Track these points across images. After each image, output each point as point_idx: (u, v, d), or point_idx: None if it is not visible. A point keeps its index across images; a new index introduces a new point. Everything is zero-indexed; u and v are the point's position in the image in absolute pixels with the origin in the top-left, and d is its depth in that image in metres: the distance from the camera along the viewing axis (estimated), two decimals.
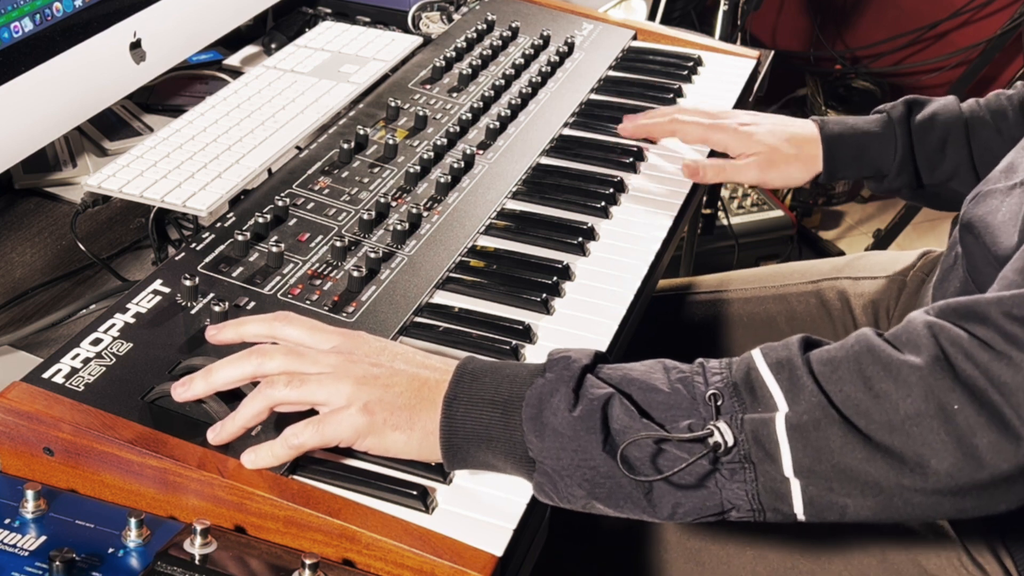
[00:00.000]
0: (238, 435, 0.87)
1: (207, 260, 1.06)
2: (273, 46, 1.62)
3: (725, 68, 1.60)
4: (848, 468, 0.82)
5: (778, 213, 2.79)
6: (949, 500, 0.82)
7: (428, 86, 1.42)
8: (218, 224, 1.11)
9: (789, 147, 1.33)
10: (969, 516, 0.85)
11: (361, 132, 1.27)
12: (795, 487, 0.83)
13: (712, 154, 1.38)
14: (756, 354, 0.87)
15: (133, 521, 0.81)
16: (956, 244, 1.14)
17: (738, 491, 0.84)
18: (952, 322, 0.84)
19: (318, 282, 1.06)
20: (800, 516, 0.85)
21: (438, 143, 1.29)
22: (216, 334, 0.93)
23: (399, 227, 1.13)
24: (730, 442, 0.83)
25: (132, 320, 0.98)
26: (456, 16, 1.63)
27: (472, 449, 0.86)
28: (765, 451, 0.83)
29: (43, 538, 0.81)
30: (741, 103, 1.52)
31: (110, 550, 0.80)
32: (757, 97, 1.62)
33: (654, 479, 0.83)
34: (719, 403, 0.84)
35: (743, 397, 0.85)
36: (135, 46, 1.30)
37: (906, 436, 0.81)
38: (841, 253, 2.96)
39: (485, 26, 1.56)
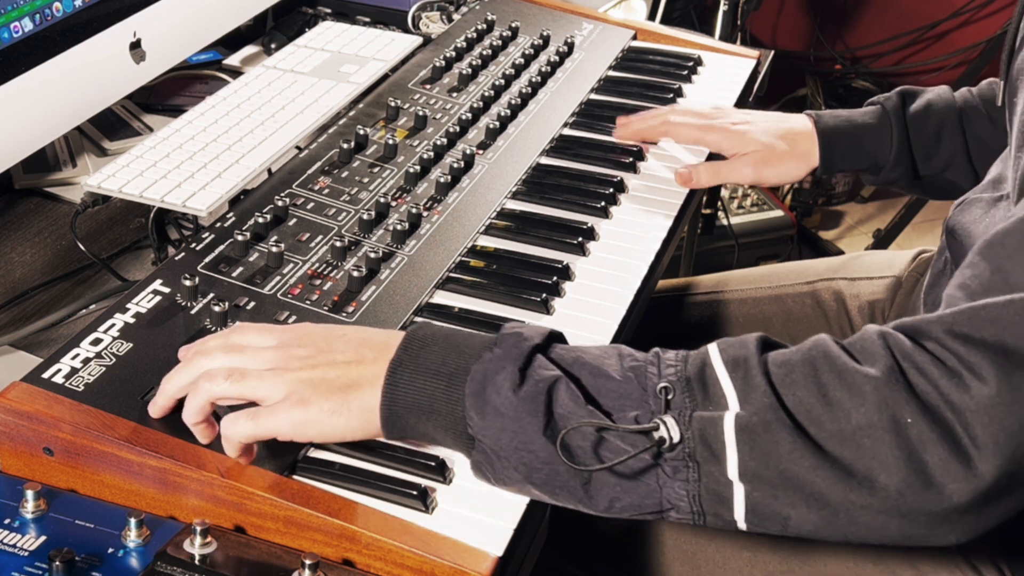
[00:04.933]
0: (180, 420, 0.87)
1: (207, 260, 1.06)
2: (273, 46, 1.62)
3: (725, 68, 1.60)
4: (794, 476, 0.79)
5: (778, 213, 2.79)
6: (896, 522, 0.80)
7: (428, 86, 1.42)
8: (218, 224, 1.11)
9: (783, 144, 1.32)
10: (916, 544, 0.82)
11: (361, 132, 1.27)
12: (738, 491, 0.81)
13: (709, 155, 1.38)
14: (712, 349, 0.85)
15: (133, 521, 0.81)
16: (944, 250, 1.14)
17: (679, 490, 0.81)
18: (906, 335, 0.82)
19: (318, 282, 1.06)
20: (741, 524, 0.82)
21: (438, 143, 1.29)
22: (185, 354, 0.92)
23: (399, 227, 1.13)
24: (675, 438, 0.80)
25: (132, 320, 0.98)
26: (456, 16, 1.63)
27: (412, 420, 0.85)
28: (711, 451, 0.80)
29: (43, 538, 0.81)
30: (741, 103, 1.52)
31: (110, 550, 0.80)
32: (757, 97, 1.62)
33: (593, 469, 0.81)
34: (670, 397, 0.82)
35: (695, 393, 0.82)
36: (135, 46, 1.30)
37: (856, 447, 0.78)
38: (841, 253, 2.96)
39: (485, 26, 1.56)
